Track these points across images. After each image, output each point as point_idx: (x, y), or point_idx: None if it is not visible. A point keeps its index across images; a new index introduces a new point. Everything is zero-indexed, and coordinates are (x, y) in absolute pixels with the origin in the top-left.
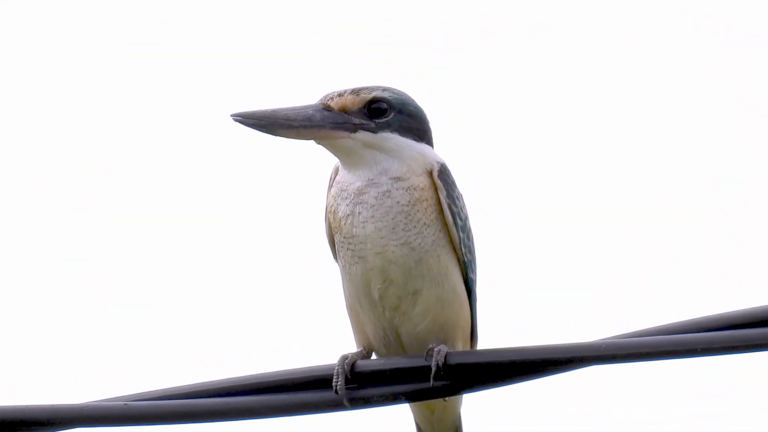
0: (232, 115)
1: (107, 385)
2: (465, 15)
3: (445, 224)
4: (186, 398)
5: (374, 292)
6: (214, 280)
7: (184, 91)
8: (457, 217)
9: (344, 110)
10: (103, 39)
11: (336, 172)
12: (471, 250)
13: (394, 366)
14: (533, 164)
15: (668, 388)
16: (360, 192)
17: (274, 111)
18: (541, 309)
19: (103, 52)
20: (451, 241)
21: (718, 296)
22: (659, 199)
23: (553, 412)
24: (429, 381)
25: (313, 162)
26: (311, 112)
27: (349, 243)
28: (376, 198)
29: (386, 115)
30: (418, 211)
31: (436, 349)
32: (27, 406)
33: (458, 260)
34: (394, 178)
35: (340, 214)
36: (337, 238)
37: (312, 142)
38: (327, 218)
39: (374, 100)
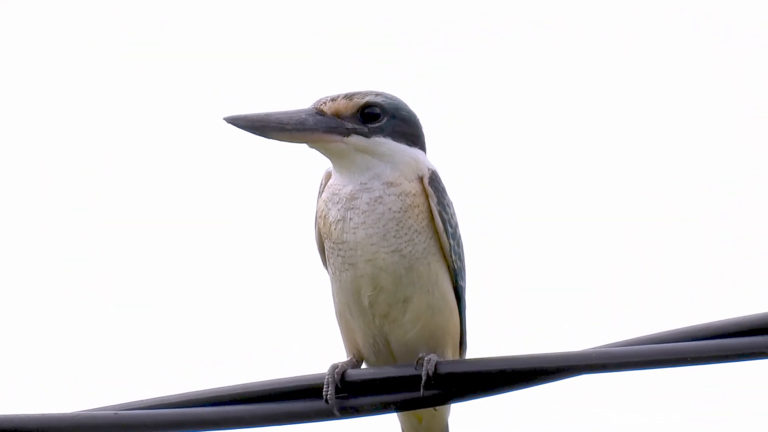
0: (225, 118)
1: (97, 395)
2: (465, 15)
3: (435, 231)
4: (176, 407)
5: (364, 299)
6: (204, 289)
7: (183, 91)
8: (448, 225)
9: (337, 115)
10: (103, 39)
11: (327, 177)
12: (461, 258)
13: (384, 375)
14: (526, 167)
15: (658, 396)
16: (352, 197)
17: (267, 114)
18: (531, 317)
19: (103, 52)
20: (441, 249)
21: (708, 305)
22: (648, 208)
23: (543, 421)
24: (419, 390)
25: (304, 167)
26: (304, 116)
27: (339, 249)
28: (368, 204)
29: (379, 119)
30: (409, 217)
31: (426, 359)
32: (16, 415)
33: (448, 268)
34: (387, 183)
35: (330, 219)
36: (326, 244)
37: (305, 146)
38: (317, 224)
39: (367, 105)
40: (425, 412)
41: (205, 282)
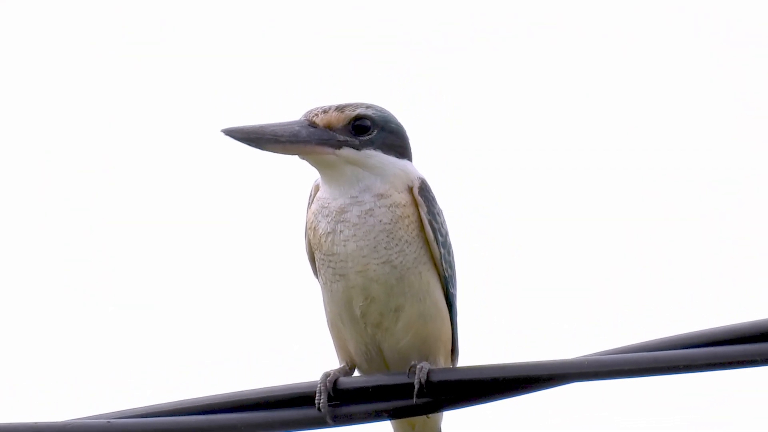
0: (222, 130)
1: (90, 403)
2: (465, 15)
3: (425, 241)
4: (169, 416)
5: (356, 309)
6: (197, 297)
7: (183, 92)
8: (438, 233)
9: (329, 127)
10: (103, 39)
11: (316, 188)
12: (451, 266)
13: (376, 383)
14: (523, 170)
15: (650, 404)
16: (342, 210)
17: (262, 127)
18: (523, 325)
19: (103, 52)
20: (432, 257)
21: (700, 312)
22: (638, 216)
23: (535, 429)
24: (412, 398)
25: (299, 174)
26: (297, 128)
27: (330, 261)
28: (359, 216)
29: (369, 132)
30: (400, 228)
31: (418, 367)
32: (9, 424)
33: (439, 276)
34: (377, 195)
35: (320, 231)
36: (317, 255)
37: (296, 157)
38: (307, 235)
39: (358, 117)
40: (418, 420)
41: (197, 290)
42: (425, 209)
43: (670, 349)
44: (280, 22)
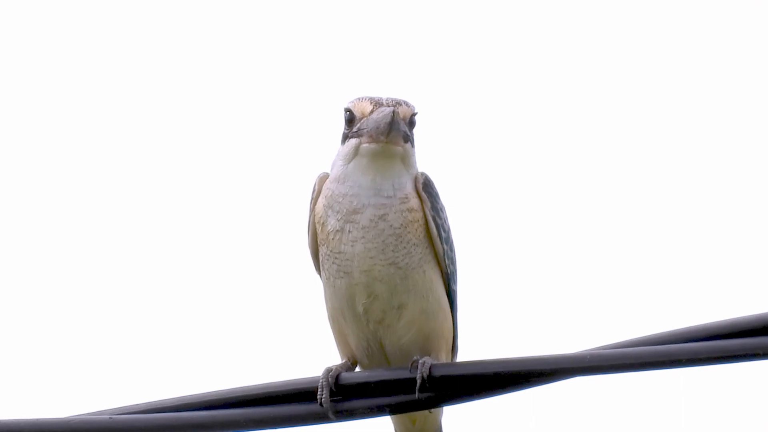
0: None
1: (92, 399)
2: (465, 15)
3: (429, 238)
4: (171, 411)
5: (358, 306)
6: (198, 293)
7: (183, 92)
8: (441, 230)
9: (403, 119)
10: (103, 39)
11: (321, 181)
12: (453, 262)
13: (378, 378)
14: (521, 168)
15: (652, 398)
16: (354, 211)
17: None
18: (524, 319)
19: (103, 52)
20: (435, 254)
21: (702, 306)
22: (640, 210)
23: (537, 423)
24: (414, 393)
25: (296, 170)
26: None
27: (335, 257)
28: (370, 220)
29: (413, 129)
30: (409, 232)
31: (420, 362)
32: (11, 419)
33: (441, 272)
34: (403, 197)
35: (329, 227)
36: (322, 249)
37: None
38: (311, 230)
39: (414, 114)
40: (419, 415)
41: (199, 286)
42: (429, 205)
43: (672, 343)
44: (279, 22)
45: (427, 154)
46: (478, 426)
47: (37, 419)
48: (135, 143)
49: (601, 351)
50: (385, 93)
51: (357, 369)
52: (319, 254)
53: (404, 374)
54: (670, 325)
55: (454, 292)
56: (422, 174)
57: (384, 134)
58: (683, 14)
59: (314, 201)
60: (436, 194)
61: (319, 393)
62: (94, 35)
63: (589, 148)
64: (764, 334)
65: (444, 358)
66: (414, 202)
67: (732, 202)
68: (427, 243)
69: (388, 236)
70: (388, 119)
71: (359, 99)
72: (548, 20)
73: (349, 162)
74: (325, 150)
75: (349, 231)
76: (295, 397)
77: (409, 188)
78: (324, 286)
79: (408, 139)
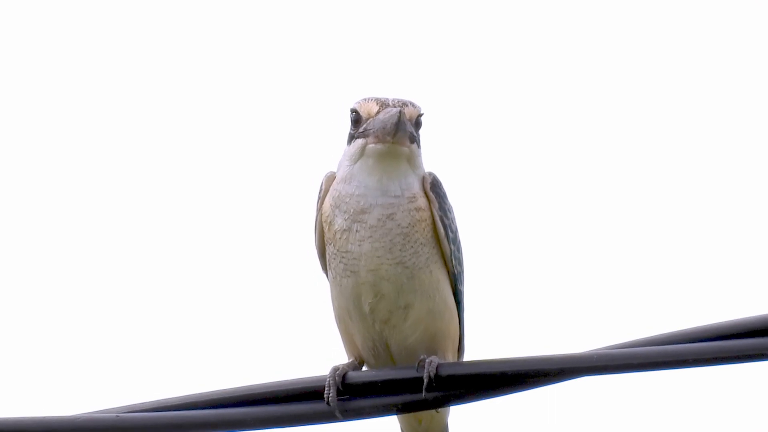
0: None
1: (98, 397)
2: (470, 16)
3: (437, 238)
4: (177, 410)
5: (365, 305)
6: (205, 291)
7: (183, 92)
8: (449, 230)
9: (410, 120)
10: (103, 39)
11: (329, 181)
12: (460, 262)
13: (385, 377)
14: (527, 166)
15: (659, 398)
16: (362, 211)
17: (405, 123)
18: (531, 319)
19: (102, 52)
20: (442, 254)
21: (709, 306)
22: (647, 210)
23: (543, 423)
24: (421, 392)
25: (302, 169)
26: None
27: (342, 256)
28: (378, 219)
29: (419, 129)
30: (416, 231)
31: (427, 361)
32: (18, 418)
33: (448, 272)
34: (410, 196)
35: (336, 227)
36: (329, 249)
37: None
38: (317, 229)
39: (420, 115)
40: (425, 414)
41: (205, 284)
42: (437, 205)
43: (679, 343)
44: (279, 22)
45: (434, 155)
46: (484, 426)
47: (44, 417)
48: (141, 143)
49: (608, 351)
50: (392, 94)
51: (364, 368)
52: (326, 253)
53: (411, 373)
54: (678, 325)
55: (461, 292)
56: (430, 174)
57: (390, 134)
58: (689, 15)
59: (321, 200)
60: (444, 195)
61: (326, 392)
62: (109, 38)
63: (597, 149)
64: None
65: (450, 358)
66: (422, 201)
67: (740, 202)
68: (434, 243)
69: (396, 235)
70: (395, 119)
71: (365, 100)
72: (554, 19)
73: (356, 162)
74: (331, 150)
75: (356, 230)
76: (302, 396)
77: (416, 188)
78: (330, 286)
79: (414, 139)
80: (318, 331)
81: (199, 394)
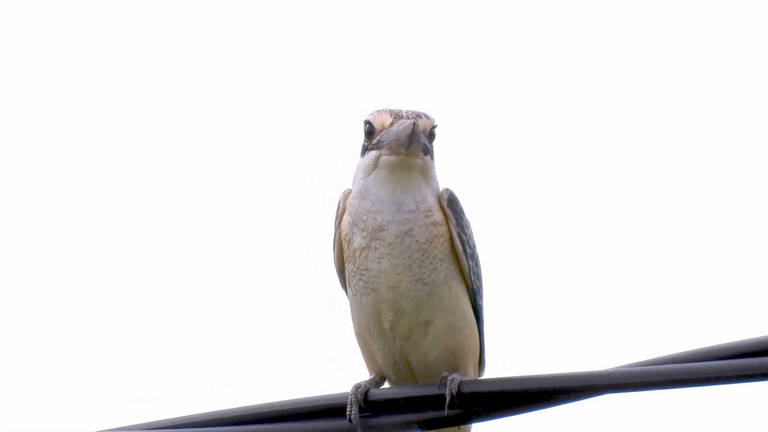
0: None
1: (122, 413)
2: (485, 27)
3: (455, 254)
4: (201, 426)
5: (385, 322)
6: (228, 308)
7: (183, 92)
8: (467, 246)
9: (424, 132)
10: (102, 39)
11: (345, 198)
12: (479, 277)
13: (407, 395)
14: (544, 184)
15: (681, 416)
16: (380, 228)
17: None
18: (552, 336)
19: (102, 52)
20: (461, 270)
21: (731, 324)
22: (670, 229)
23: None
24: (443, 410)
25: (321, 183)
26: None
27: (362, 274)
28: (396, 236)
29: (433, 142)
30: (435, 247)
31: (449, 378)
32: None
33: (467, 287)
34: (426, 210)
35: (355, 245)
36: (348, 266)
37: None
38: (336, 246)
39: (434, 127)
40: (447, 431)
41: (229, 301)
42: (454, 221)
43: (701, 361)
44: (279, 22)
45: (449, 168)
46: None
47: None
48: (156, 151)
49: (629, 368)
50: (406, 105)
51: (385, 384)
52: (345, 271)
53: (433, 391)
54: (700, 342)
55: (480, 307)
56: (446, 190)
57: (404, 146)
58: (693, 15)
59: (339, 218)
60: (461, 210)
61: (348, 409)
62: (120, 40)
63: (617, 164)
64: None
65: (471, 372)
66: (438, 216)
67: (763, 219)
68: (452, 258)
69: (415, 252)
70: (409, 131)
71: (379, 111)
72: (567, 31)
73: (369, 174)
74: (346, 163)
75: (375, 248)
76: (325, 413)
77: (431, 201)
78: (350, 303)
79: (428, 151)
80: (339, 347)
81: (223, 410)
